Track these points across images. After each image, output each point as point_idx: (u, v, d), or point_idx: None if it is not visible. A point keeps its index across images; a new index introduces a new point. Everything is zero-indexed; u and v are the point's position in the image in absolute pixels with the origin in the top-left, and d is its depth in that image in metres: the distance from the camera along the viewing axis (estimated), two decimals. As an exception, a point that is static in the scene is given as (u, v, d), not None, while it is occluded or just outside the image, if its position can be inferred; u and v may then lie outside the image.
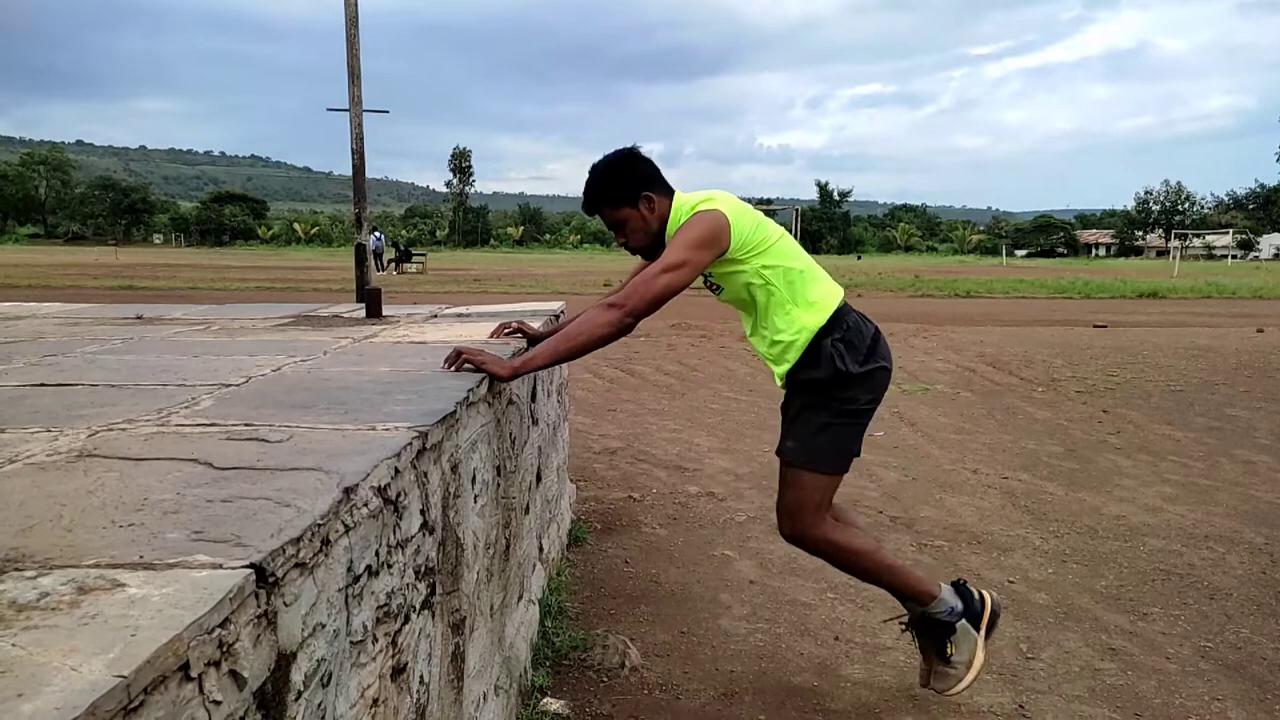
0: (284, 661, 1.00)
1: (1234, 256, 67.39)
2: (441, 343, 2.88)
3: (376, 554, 1.30)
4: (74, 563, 0.98)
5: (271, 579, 0.98)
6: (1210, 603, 3.36)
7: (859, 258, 65.51)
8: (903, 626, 2.62)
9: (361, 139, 11.71)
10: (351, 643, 1.20)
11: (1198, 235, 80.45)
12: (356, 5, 11.37)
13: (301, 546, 1.06)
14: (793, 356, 2.36)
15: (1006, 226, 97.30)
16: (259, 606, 0.95)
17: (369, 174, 12.01)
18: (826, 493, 2.40)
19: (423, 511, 1.53)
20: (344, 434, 1.58)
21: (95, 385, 2.12)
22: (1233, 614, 3.25)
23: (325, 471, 1.31)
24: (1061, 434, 6.06)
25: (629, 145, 2.40)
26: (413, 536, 1.47)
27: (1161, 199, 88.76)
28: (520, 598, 2.62)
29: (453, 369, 2.20)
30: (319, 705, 1.09)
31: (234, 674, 0.89)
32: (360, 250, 12.01)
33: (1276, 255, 71.94)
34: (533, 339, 2.81)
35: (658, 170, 2.37)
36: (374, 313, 4.00)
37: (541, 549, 3.12)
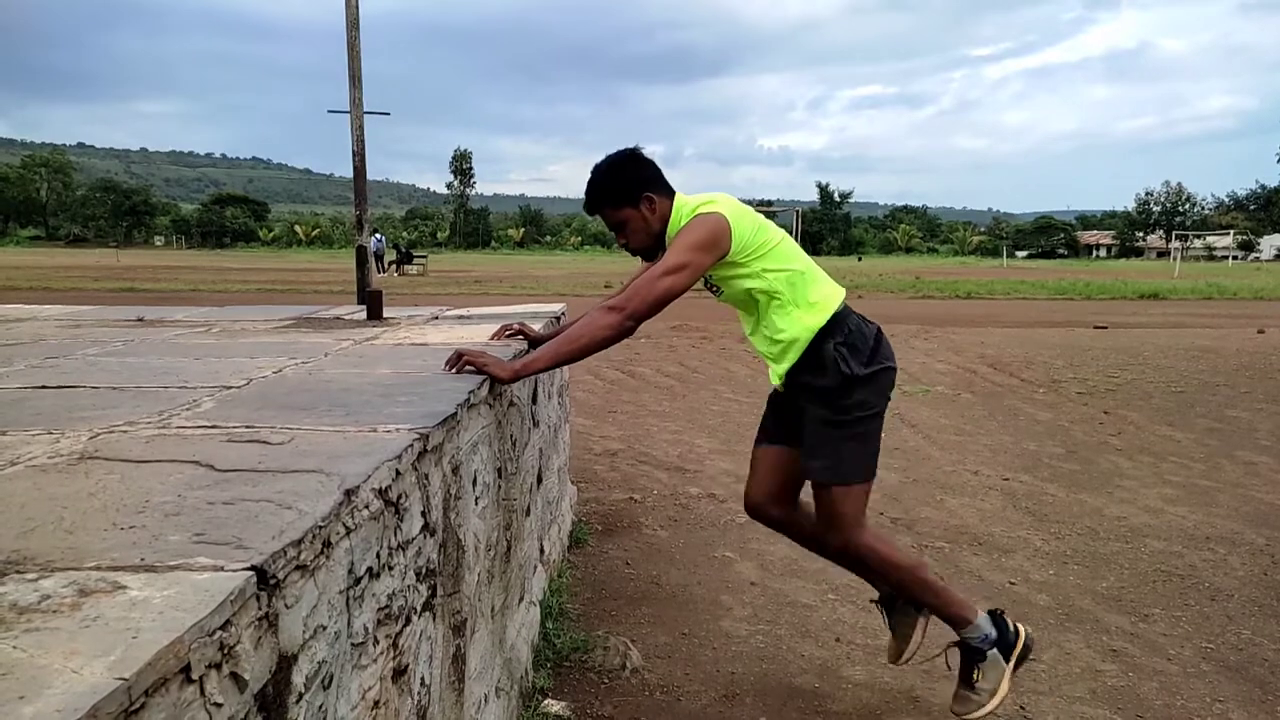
0: (285, 663, 1.00)
1: (1235, 257, 67.38)
2: (442, 344, 2.88)
3: (378, 556, 1.30)
4: (75, 565, 0.98)
5: (273, 581, 0.98)
6: (1211, 604, 3.35)
7: (859, 259, 65.51)
8: (872, 602, 2.66)
9: (362, 141, 11.73)
10: (353, 645, 1.20)
11: (1198, 236, 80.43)
12: (357, 7, 11.39)
13: (303, 548, 1.06)
14: (793, 356, 2.36)
15: (1007, 228, 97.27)
16: (260, 609, 0.95)
17: (369, 176, 12.03)
18: (863, 501, 2.40)
19: (424, 513, 1.53)
20: (345, 436, 1.58)
21: (96, 387, 2.12)
22: (1234, 615, 3.25)
23: (326, 473, 1.31)
24: (1062, 435, 6.05)
25: (631, 146, 2.40)
26: (414, 538, 1.48)
27: (1162, 200, 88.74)
28: (521, 599, 2.62)
29: (454, 371, 2.21)
30: (320, 707, 1.09)
31: (235, 676, 0.89)
32: (361, 252, 12.02)
33: (1277, 256, 71.91)
34: (534, 341, 2.81)
35: (659, 171, 2.38)
36: (375, 315, 4.00)
37: (542, 550, 3.12)
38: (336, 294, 16.75)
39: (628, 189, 2.34)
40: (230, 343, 3.05)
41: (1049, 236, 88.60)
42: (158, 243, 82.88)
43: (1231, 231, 78.77)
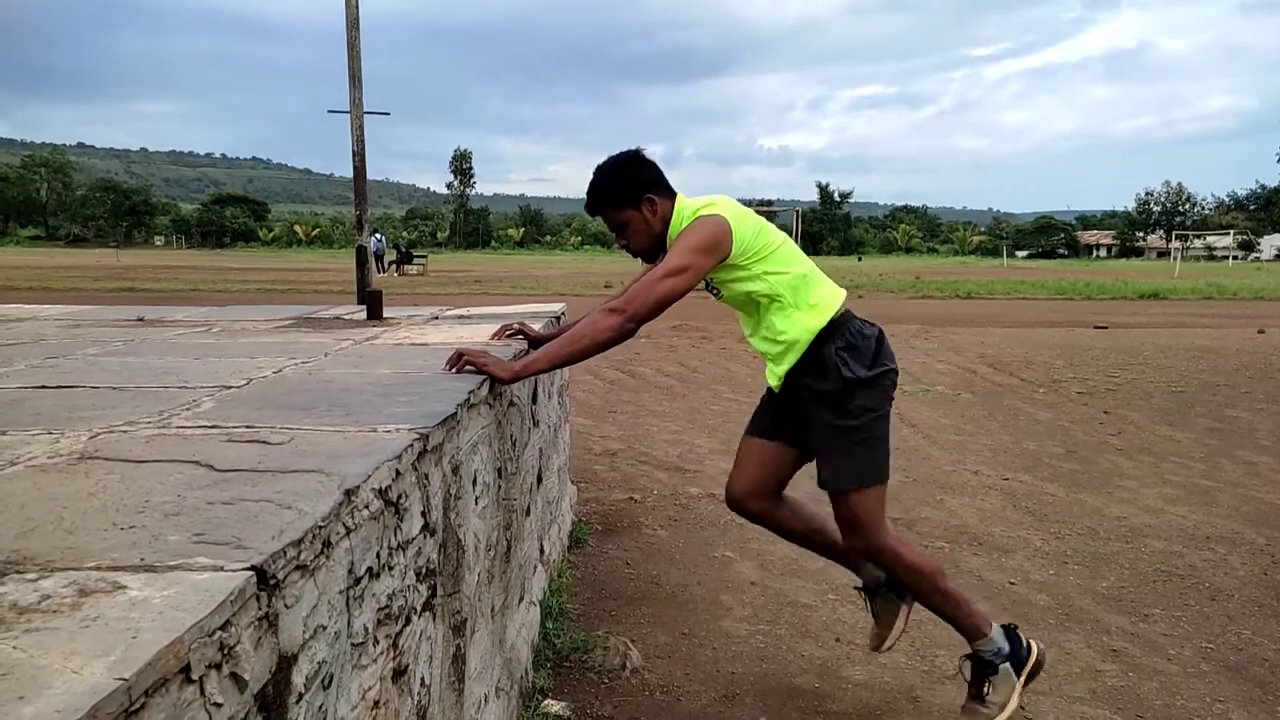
0: (285, 664, 1.00)
1: (1235, 257, 67.34)
2: (442, 344, 2.88)
3: (377, 556, 1.30)
4: (75, 565, 0.98)
5: (273, 581, 0.98)
6: (1212, 604, 3.35)
7: (859, 259, 65.52)
8: (856, 589, 2.66)
9: (362, 141, 11.73)
10: (353, 645, 1.20)
11: (1198, 236, 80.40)
12: (357, 7, 11.39)
13: (303, 549, 1.06)
14: (793, 357, 2.36)
15: (1007, 227, 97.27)
16: (260, 609, 0.95)
17: (369, 176, 12.03)
18: (881, 502, 2.39)
19: (424, 513, 1.53)
20: (345, 436, 1.58)
21: (96, 387, 2.12)
22: (1234, 615, 3.25)
23: (326, 473, 1.31)
24: (1062, 435, 6.05)
25: (633, 148, 2.41)
26: (414, 538, 1.48)
27: (1162, 200, 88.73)
28: (521, 599, 2.62)
29: (454, 371, 2.21)
30: (320, 707, 1.09)
31: (235, 676, 0.89)
32: (361, 252, 12.02)
33: (1277, 256, 71.89)
34: (534, 341, 2.81)
35: (661, 173, 2.38)
36: (375, 314, 4.00)
37: (542, 550, 3.12)
38: (336, 294, 16.76)
39: (629, 190, 2.34)
40: (230, 343, 3.05)
41: (1049, 236, 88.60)
42: (158, 243, 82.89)
43: (1231, 231, 78.73)
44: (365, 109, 11.75)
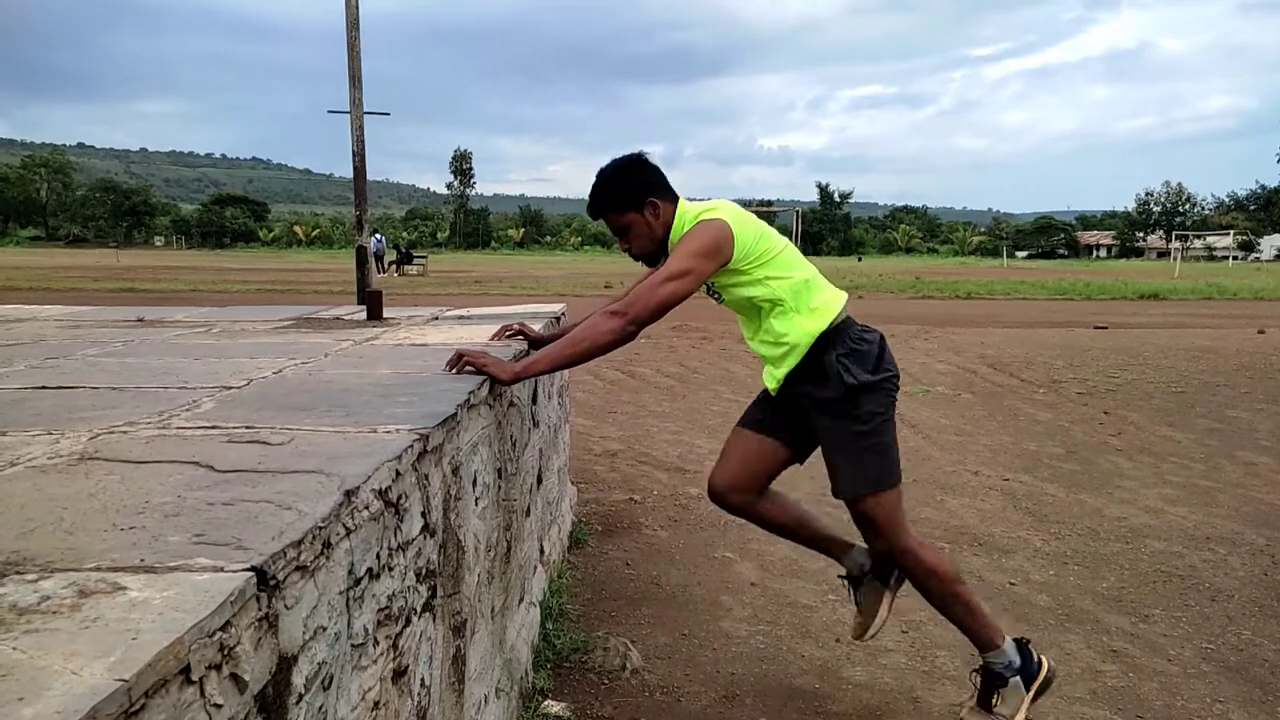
0: (285, 664, 0.99)
1: (1235, 258, 67.36)
2: (442, 345, 2.88)
3: (377, 557, 1.30)
4: (75, 566, 0.98)
5: (273, 582, 0.98)
6: (1212, 605, 3.35)
7: (859, 259, 65.51)
8: (840, 577, 2.67)
9: (362, 141, 11.73)
10: (352, 645, 1.20)
11: (1198, 236, 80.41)
12: (357, 7, 11.39)
13: (302, 549, 1.06)
14: (793, 361, 2.37)
15: (1007, 228, 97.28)
16: (260, 609, 0.95)
17: (369, 176, 12.02)
18: (898, 504, 2.39)
19: (424, 514, 1.53)
20: (345, 436, 1.58)
21: (96, 388, 2.12)
22: (1234, 616, 3.25)
23: (326, 474, 1.31)
24: (1062, 435, 6.05)
25: (636, 151, 2.41)
26: (414, 539, 1.47)
27: (1162, 200, 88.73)
28: (521, 600, 2.62)
29: (454, 371, 2.21)
30: (320, 708, 1.09)
31: (235, 677, 0.89)
32: (361, 252, 12.01)
33: (1277, 256, 71.89)
34: (534, 341, 2.81)
35: (664, 177, 2.39)
36: (375, 315, 4.00)
37: (542, 551, 3.12)
38: (336, 294, 16.75)
39: (632, 194, 2.34)
40: (230, 343, 3.05)
41: (1049, 237, 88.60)
42: (158, 243, 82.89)
43: (1231, 232, 78.75)
44: (365, 109, 11.75)
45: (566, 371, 3.93)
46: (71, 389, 2.11)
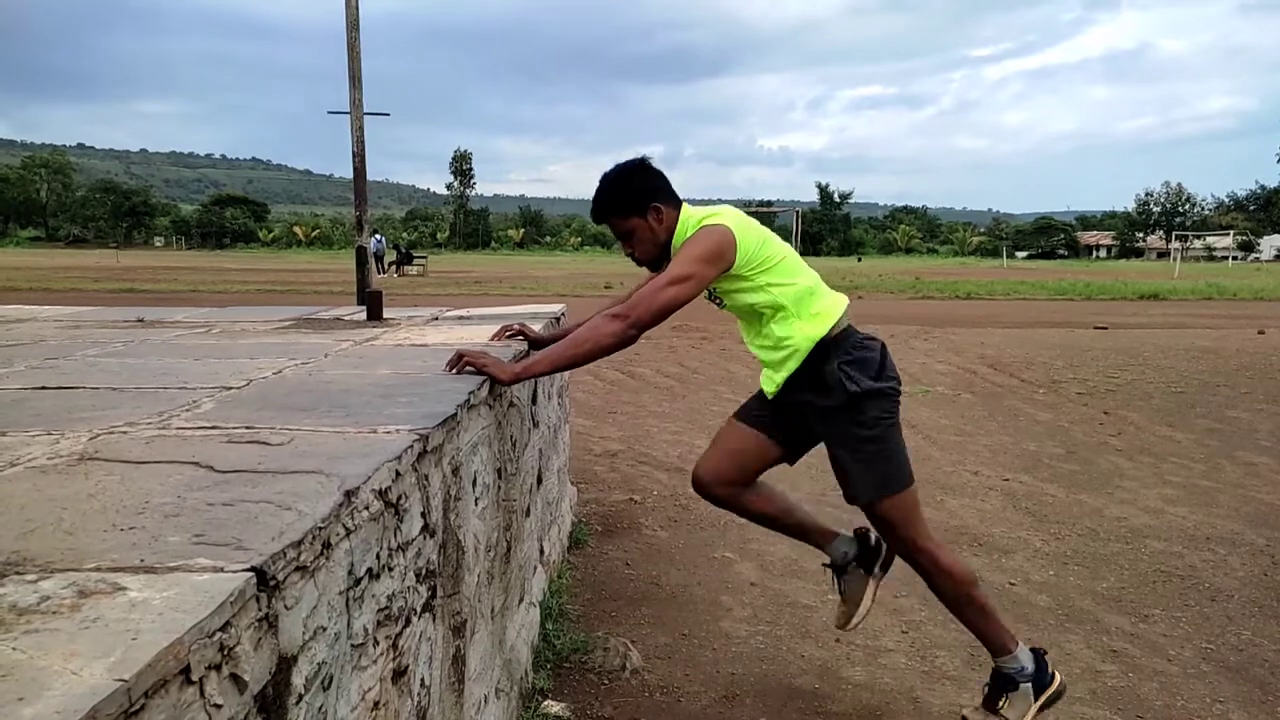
0: (285, 665, 1.00)
1: (1234, 258, 67.37)
2: (442, 345, 2.88)
3: (377, 557, 1.30)
4: (75, 566, 0.98)
5: (272, 582, 0.98)
6: (1212, 605, 3.35)
7: (859, 260, 65.52)
8: (824, 565, 2.68)
9: (362, 142, 11.73)
10: (352, 646, 1.20)
11: (1198, 237, 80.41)
12: (357, 7, 11.39)
13: (302, 550, 1.06)
14: (792, 365, 2.37)
15: (1007, 228, 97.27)
16: (260, 610, 0.95)
17: (369, 176, 12.02)
18: (913, 504, 2.40)
19: (424, 514, 1.53)
20: (345, 437, 1.58)
21: (96, 388, 2.12)
22: (1234, 616, 3.25)
23: (326, 474, 1.31)
24: (1062, 436, 6.05)
25: (639, 156, 2.43)
26: (413, 539, 1.47)
27: (1162, 200, 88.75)
28: (521, 600, 2.62)
29: (454, 372, 2.21)
30: (320, 708, 1.09)
31: (235, 677, 0.89)
32: (361, 253, 12.01)
33: (1277, 257, 71.89)
34: (534, 342, 2.82)
35: (667, 182, 2.39)
36: (375, 315, 4.00)
37: (542, 551, 3.12)
38: (336, 295, 16.75)
39: (636, 198, 2.35)
40: (230, 343, 3.05)
41: (1049, 237, 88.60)
42: (157, 243, 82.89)
43: (1231, 232, 78.75)
44: (365, 110, 11.75)
45: (566, 372, 3.93)
46: (71, 389, 2.11)
